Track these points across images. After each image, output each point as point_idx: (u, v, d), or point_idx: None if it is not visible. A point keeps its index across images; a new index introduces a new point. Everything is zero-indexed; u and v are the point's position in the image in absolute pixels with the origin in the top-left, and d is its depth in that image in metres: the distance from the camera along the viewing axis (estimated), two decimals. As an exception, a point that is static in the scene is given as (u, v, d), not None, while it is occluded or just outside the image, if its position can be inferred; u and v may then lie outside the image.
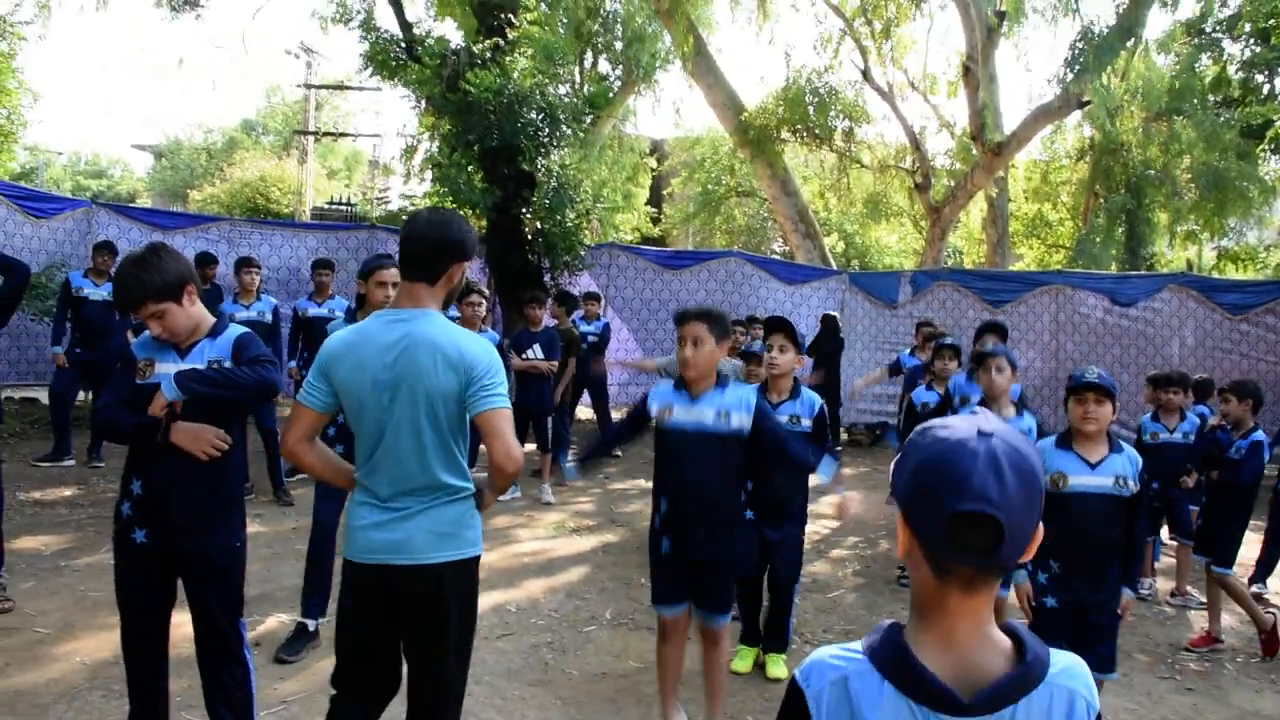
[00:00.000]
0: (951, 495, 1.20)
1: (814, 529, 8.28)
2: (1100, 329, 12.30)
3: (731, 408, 3.74)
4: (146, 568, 3.20)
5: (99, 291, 8.71)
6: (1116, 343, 12.13)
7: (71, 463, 8.61)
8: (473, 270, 13.56)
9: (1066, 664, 1.30)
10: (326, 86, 29.30)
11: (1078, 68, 12.75)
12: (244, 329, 3.34)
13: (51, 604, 5.24)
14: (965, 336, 9.61)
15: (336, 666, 2.94)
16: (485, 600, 5.88)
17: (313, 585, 4.84)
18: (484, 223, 13.17)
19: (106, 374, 8.55)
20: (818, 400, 4.89)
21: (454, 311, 10.07)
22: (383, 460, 2.76)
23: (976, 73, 14.05)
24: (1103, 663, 3.93)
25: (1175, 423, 6.78)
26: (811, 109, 15.53)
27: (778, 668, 5.03)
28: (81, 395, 9.62)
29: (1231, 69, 17.37)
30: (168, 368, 3.19)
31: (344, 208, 24.95)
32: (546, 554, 7.01)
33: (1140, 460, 3.99)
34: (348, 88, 28.95)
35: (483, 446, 2.78)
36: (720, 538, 3.83)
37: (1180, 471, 6.58)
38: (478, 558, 2.90)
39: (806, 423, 4.77)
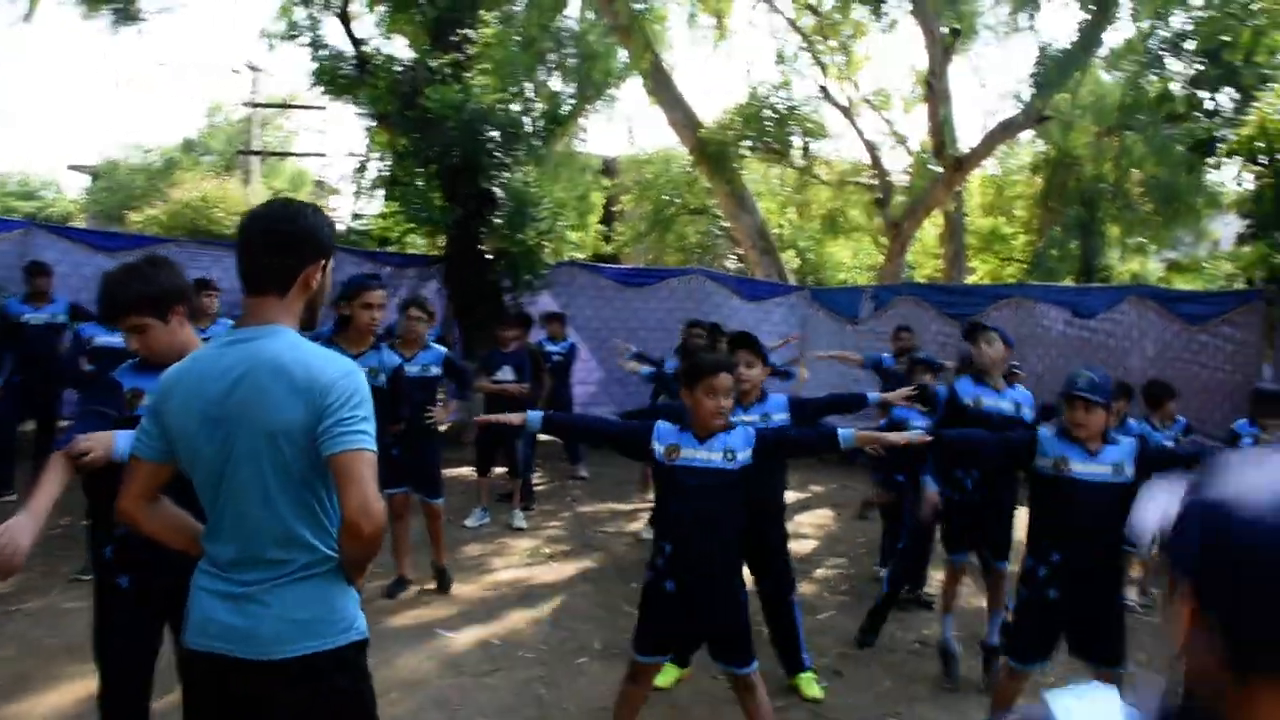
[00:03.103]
0: None
1: (794, 547, 8.13)
2: (1062, 341, 12.32)
3: (737, 447, 3.69)
4: (132, 617, 2.92)
5: (39, 315, 8.35)
6: (1078, 354, 12.14)
7: (14, 497, 8.16)
8: (429, 290, 13.31)
9: None
10: (271, 105, 28.74)
11: (1040, 83, 12.86)
12: None
13: (1, 654, 4.89)
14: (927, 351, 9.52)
15: None
16: (469, 635, 5.66)
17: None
18: (443, 242, 12.92)
19: (51, 399, 8.25)
20: (783, 396, 4.89)
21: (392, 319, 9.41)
22: (223, 519, 2.22)
23: (937, 88, 14.14)
24: (1115, 656, 3.98)
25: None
26: (769, 124, 15.49)
27: (811, 688, 4.91)
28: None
29: (1175, 86, 17.68)
30: None
31: (290, 229, 24.46)
32: (525, 583, 6.76)
33: (1137, 444, 4.01)
34: (293, 106, 28.43)
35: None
36: (732, 580, 3.76)
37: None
38: (357, 644, 2.29)
39: (779, 417, 4.75)
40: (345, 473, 2.11)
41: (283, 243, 2.24)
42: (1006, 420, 5.20)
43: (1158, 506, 1.04)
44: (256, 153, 27.02)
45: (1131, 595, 6.89)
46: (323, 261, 2.30)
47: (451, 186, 11.76)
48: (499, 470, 8.63)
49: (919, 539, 6.26)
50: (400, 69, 11.99)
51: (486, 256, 11.92)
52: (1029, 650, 4.06)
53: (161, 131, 74.76)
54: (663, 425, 3.76)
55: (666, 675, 4.92)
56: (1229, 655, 0.93)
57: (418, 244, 15.39)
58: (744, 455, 3.67)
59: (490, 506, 8.57)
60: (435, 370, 6.43)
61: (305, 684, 2.18)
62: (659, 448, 3.69)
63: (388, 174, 13.01)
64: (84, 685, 4.39)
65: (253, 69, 26.16)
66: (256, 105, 26.94)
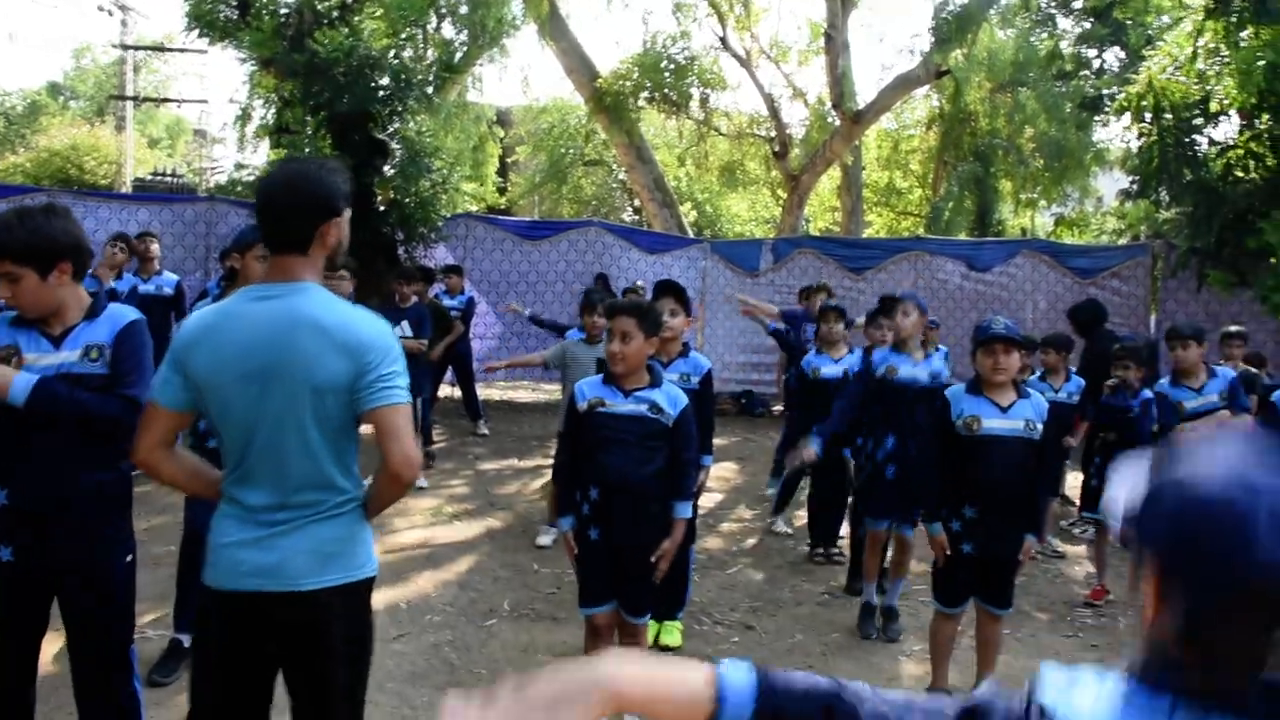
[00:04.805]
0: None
1: (699, 501, 8.11)
2: (958, 294, 12.56)
3: (665, 405, 3.68)
4: (15, 592, 2.70)
5: None
6: (974, 307, 12.40)
7: None
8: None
9: None
10: (144, 48, 27.16)
11: (939, 38, 12.96)
12: (137, 315, 2.85)
13: None
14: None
15: (192, 713, 2.44)
16: (375, 598, 5.33)
17: (186, 597, 4.33)
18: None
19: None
20: (707, 363, 4.90)
21: None
22: (256, 466, 2.29)
23: (836, 40, 14.13)
24: (1004, 600, 4.17)
25: (1061, 383, 6.89)
26: (668, 74, 15.30)
27: (672, 636, 4.95)
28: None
29: (1064, 44, 18.09)
30: (35, 359, 2.68)
31: (169, 179, 23.33)
32: (429, 543, 6.59)
33: (1046, 405, 4.12)
34: (169, 49, 26.99)
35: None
36: (649, 529, 3.72)
37: (1067, 430, 6.76)
38: (370, 580, 2.44)
39: (696, 380, 4.76)
40: (387, 426, 2.27)
41: (295, 203, 2.33)
42: (920, 391, 5.18)
43: (1128, 487, 1.09)
44: (130, 98, 25.61)
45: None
46: (336, 218, 2.37)
47: (341, 135, 11.29)
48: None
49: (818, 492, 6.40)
50: (285, 11, 11.40)
51: (380, 208, 11.52)
52: (954, 596, 4.17)
53: (22, 73, 70.68)
54: (587, 382, 3.77)
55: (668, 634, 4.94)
56: (1184, 621, 0.99)
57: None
58: (669, 414, 3.66)
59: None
60: None
61: (326, 613, 2.30)
62: (582, 403, 3.69)
63: (273, 122, 12.43)
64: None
65: (122, 8, 24.68)
66: (128, 47, 25.46)
